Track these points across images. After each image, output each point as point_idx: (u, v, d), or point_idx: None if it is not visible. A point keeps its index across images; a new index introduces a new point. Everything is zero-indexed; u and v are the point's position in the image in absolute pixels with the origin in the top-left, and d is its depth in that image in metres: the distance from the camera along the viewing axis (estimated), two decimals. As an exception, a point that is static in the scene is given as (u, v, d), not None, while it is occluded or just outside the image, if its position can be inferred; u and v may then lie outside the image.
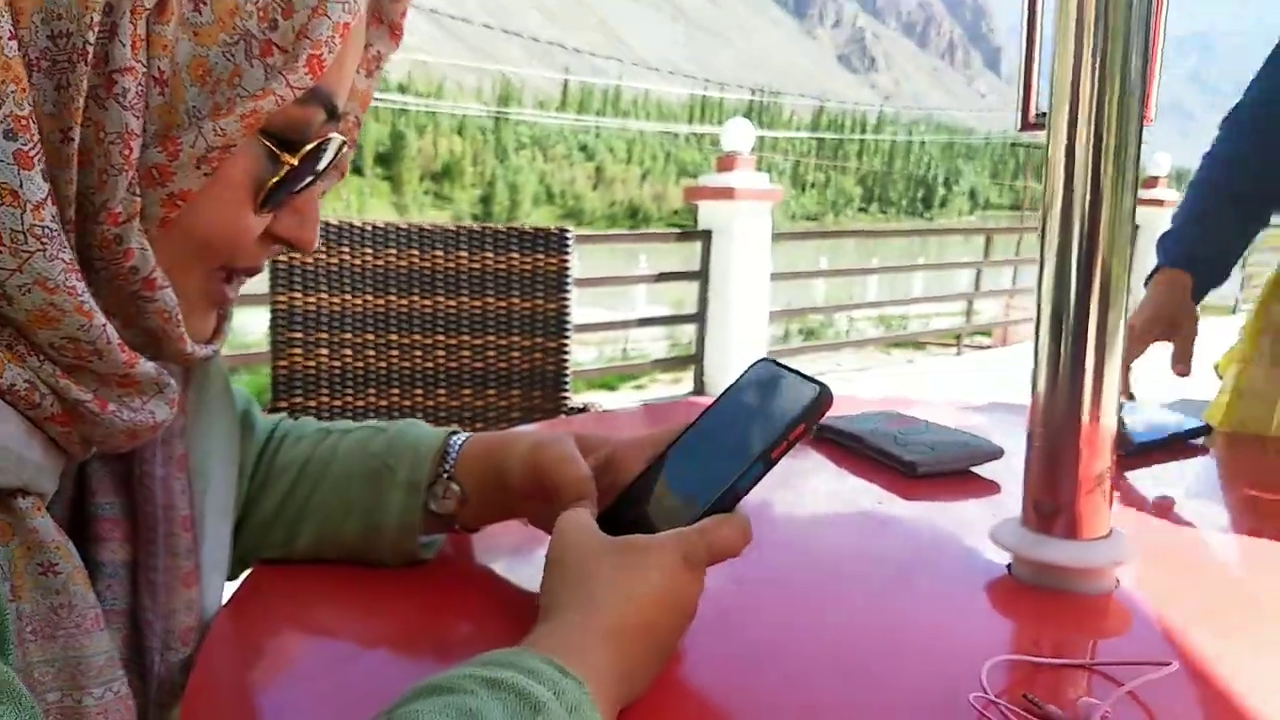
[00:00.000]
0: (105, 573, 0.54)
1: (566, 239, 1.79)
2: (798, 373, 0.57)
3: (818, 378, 0.55)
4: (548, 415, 1.76)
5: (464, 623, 0.63)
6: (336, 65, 0.47)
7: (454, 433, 0.70)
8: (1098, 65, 0.66)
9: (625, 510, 0.58)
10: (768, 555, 0.73)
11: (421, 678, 0.44)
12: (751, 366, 0.61)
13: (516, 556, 0.71)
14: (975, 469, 0.95)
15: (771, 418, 0.55)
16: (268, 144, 0.46)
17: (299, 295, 1.68)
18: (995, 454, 0.95)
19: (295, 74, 0.43)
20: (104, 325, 0.43)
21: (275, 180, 0.47)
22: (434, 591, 0.66)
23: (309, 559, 0.68)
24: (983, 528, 0.74)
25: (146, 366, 0.46)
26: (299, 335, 1.68)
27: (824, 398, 0.54)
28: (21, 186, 0.38)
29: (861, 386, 7.15)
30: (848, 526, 0.83)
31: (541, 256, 1.77)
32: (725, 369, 5.96)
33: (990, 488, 0.92)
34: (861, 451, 0.99)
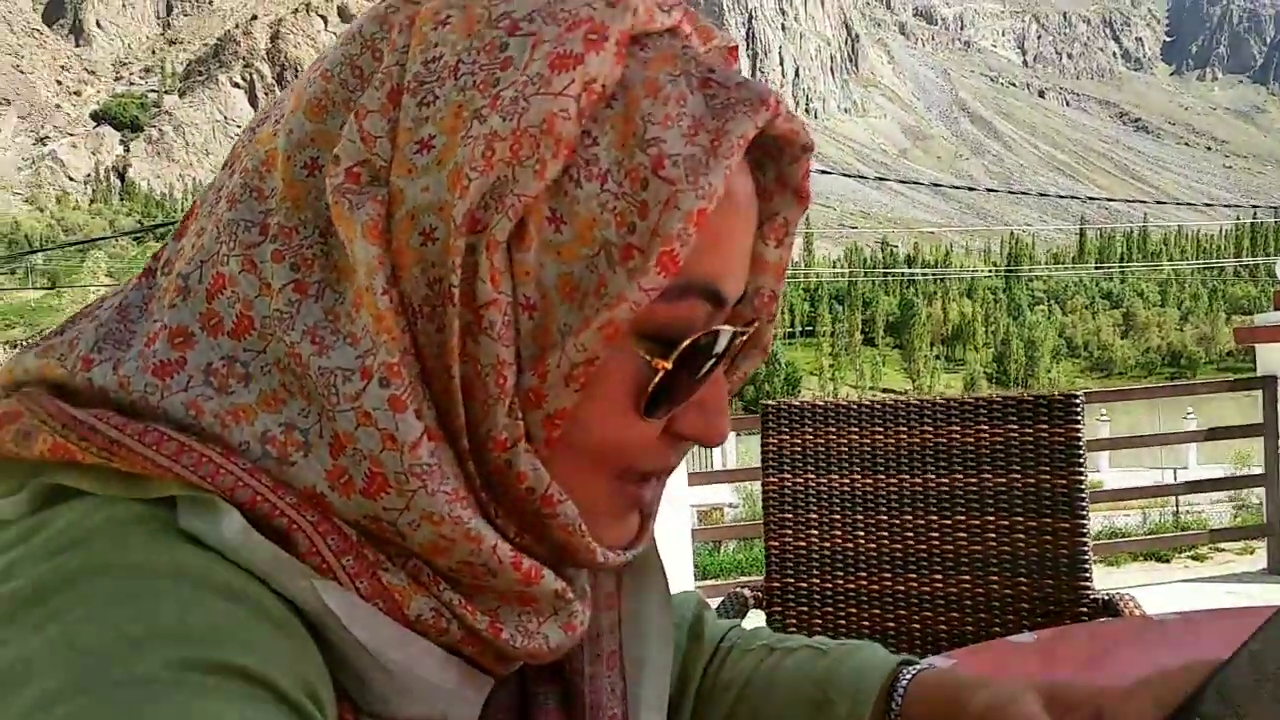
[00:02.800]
0: None
1: (1075, 404, 1.58)
2: None
3: None
4: (1064, 607, 1.51)
5: None
6: (711, 251, 0.44)
7: (906, 662, 0.60)
8: None
9: None
10: None
11: None
12: (1277, 613, 0.43)
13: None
14: None
15: None
16: (642, 350, 0.44)
17: (789, 475, 1.69)
18: None
19: (647, 276, 0.41)
20: (493, 547, 0.43)
21: (655, 384, 0.45)
22: None
23: None
24: None
25: (548, 584, 0.45)
26: (789, 515, 1.68)
27: None
28: (397, 429, 0.40)
29: None
30: None
31: (1045, 426, 1.58)
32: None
33: None
34: None
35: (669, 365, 0.44)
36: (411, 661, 0.43)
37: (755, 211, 0.49)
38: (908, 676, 0.59)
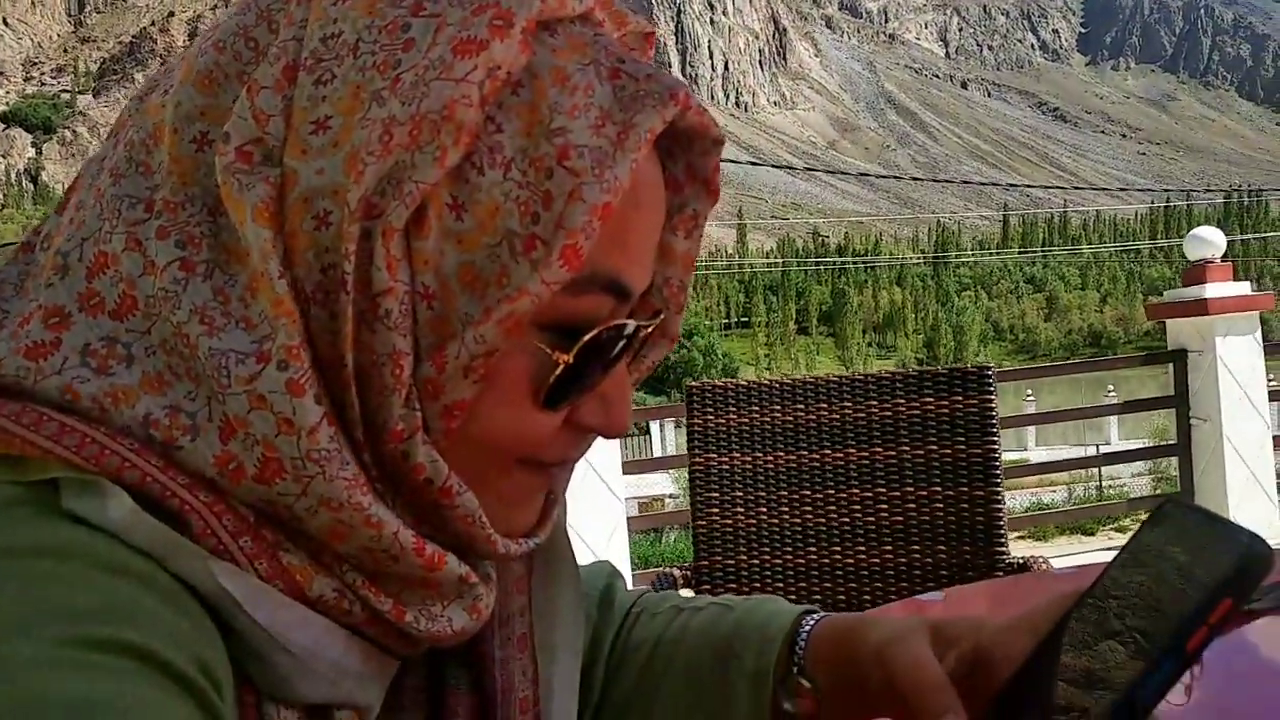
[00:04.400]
0: None
1: (988, 376, 1.63)
2: (1216, 520, 0.41)
3: (1246, 529, 0.39)
4: (981, 572, 1.56)
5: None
6: (617, 245, 0.44)
7: (808, 612, 0.61)
8: None
9: None
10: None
11: None
12: (1153, 513, 0.45)
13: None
14: None
15: (1182, 592, 0.39)
16: (541, 342, 0.44)
17: (714, 455, 1.71)
18: None
19: (549, 269, 0.40)
20: (395, 534, 0.42)
21: (556, 377, 0.44)
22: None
23: None
24: None
25: (452, 569, 0.45)
26: (715, 495, 1.70)
27: (1254, 558, 0.38)
28: (295, 413, 0.39)
29: None
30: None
31: (960, 398, 1.62)
32: (1222, 505, 5.00)
33: None
34: None
35: (570, 359, 0.44)
36: (313, 643, 0.42)
37: (663, 204, 0.49)
38: (810, 624, 0.60)
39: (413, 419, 0.42)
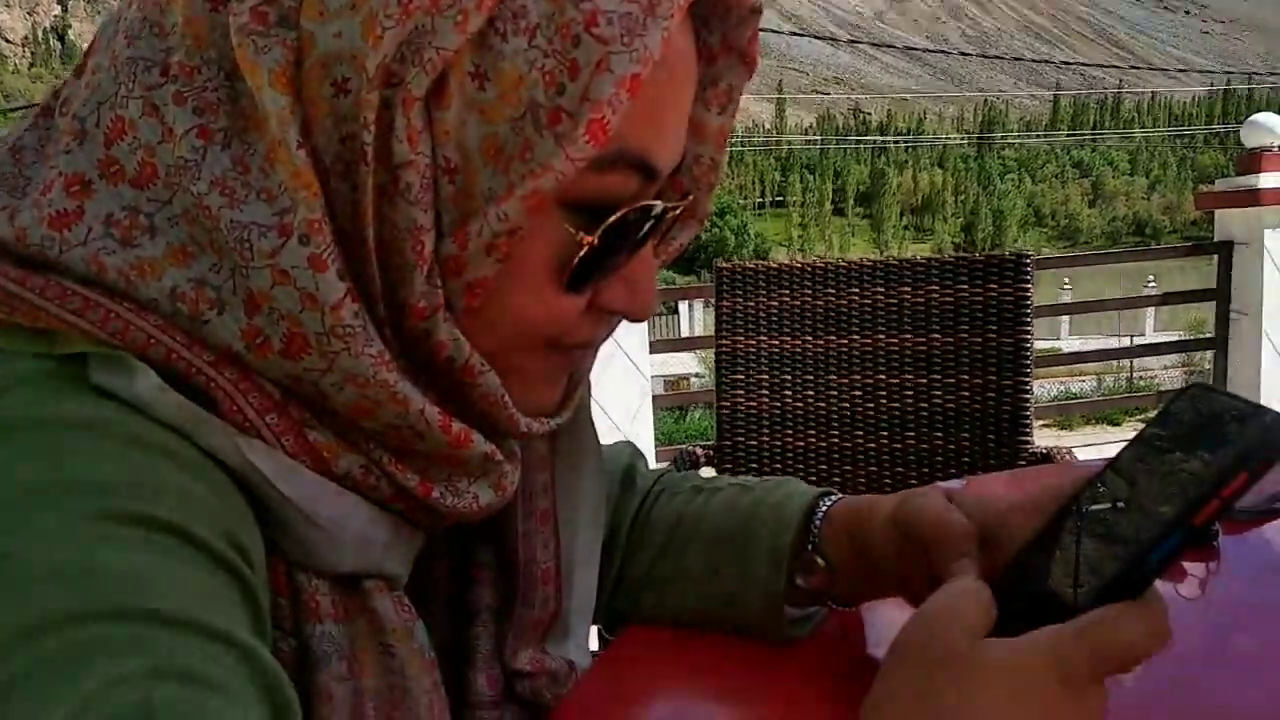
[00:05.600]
0: (474, 615, 0.56)
1: (1026, 264, 1.60)
2: (1241, 401, 0.40)
3: (1268, 408, 0.38)
4: (1004, 462, 1.57)
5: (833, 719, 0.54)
6: (646, 119, 0.42)
7: (826, 494, 0.61)
8: None
9: (1012, 589, 0.45)
10: (1256, 674, 0.53)
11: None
12: (1179, 394, 0.44)
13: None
14: None
15: (1199, 467, 0.39)
16: (567, 222, 0.42)
17: (741, 338, 1.70)
18: None
19: (575, 145, 0.39)
20: (421, 411, 0.42)
21: (580, 258, 0.43)
22: (807, 679, 0.58)
23: (679, 624, 0.65)
24: None
25: (479, 447, 0.45)
26: (741, 377, 1.70)
27: (1273, 435, 0.37)
28: (318, 289, 0.38)
29: None
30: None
31: (995, 286, 1.59)
32: (1255, 399, 4.96)
33: None
34: None
35: (594, 240, 0.43)
36: (341, 516, 0.43)
37: (695, 77, 0.46)
38: (826, 505, 0.61)
39: (435, 296, 0.41)
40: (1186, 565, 0.69)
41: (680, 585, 0.65)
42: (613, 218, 0.43)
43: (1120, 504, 0.42)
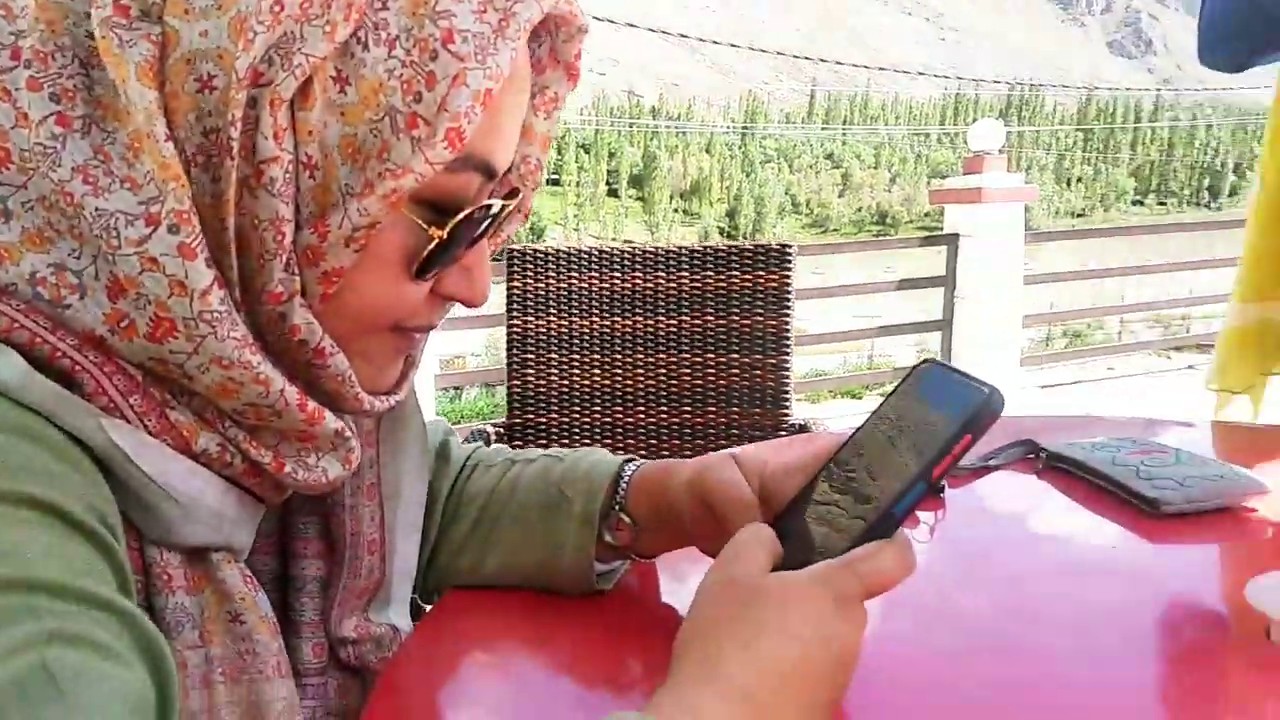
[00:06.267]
0: (298, 587, 0.58)
1: (788, 255, 1.76)
2: (963, 375, 0.50)
3: (986, 380, 0.48)
4: (767, 432, 1.73)
5: (641, 657, 0.62)
6: (490, 128, 0.47)
7: (629, 460, 0.69)
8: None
9: (781, 538, 0.54)
10: (980, 605, 0.67)
11: (593, 713, 0.43)
12: (914, 369, 0.55)
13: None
14: (1238, 509, 0.82)
15: (932, 430, 0.48)
16: (417, 217, 0.47)
17: (531, 319, 1.76)
18: (1259, 490, 0.81)
19: (433, 150, 0.43)
20: (281, 390, 0.45)
21: (429, 250, 0.48)
22: (618, 624, 0.66)
23: (496, 585, 0.70)
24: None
25: (330, 423, 0.49)
26: (531, 356, 1.76)
27: (991, 403, 0.47)
28: (187, 276, 0.41)
29: (1133, 396, 6.49)
30: (1073, 575, 0.74)
31: (763, 274, 1.74)
32: (975, 372, 5.63)
33: (1255, 530, 0.79)
34: (1098, 485, 0.89)
35: (444, 234, 0.47)
36: (197, 492, 0.45)
37: (529, 87, 0.52)
38: (631, 470, 0.68)
39: (292, 283, 0.44)
40: (920, 514, 0.83)
41: (497, 548, 0.70)
42: (461, 214, 0.48)
43: (870, 463, 0.53)
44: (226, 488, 0.48)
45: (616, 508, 0.67)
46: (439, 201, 0.47)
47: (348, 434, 0.51)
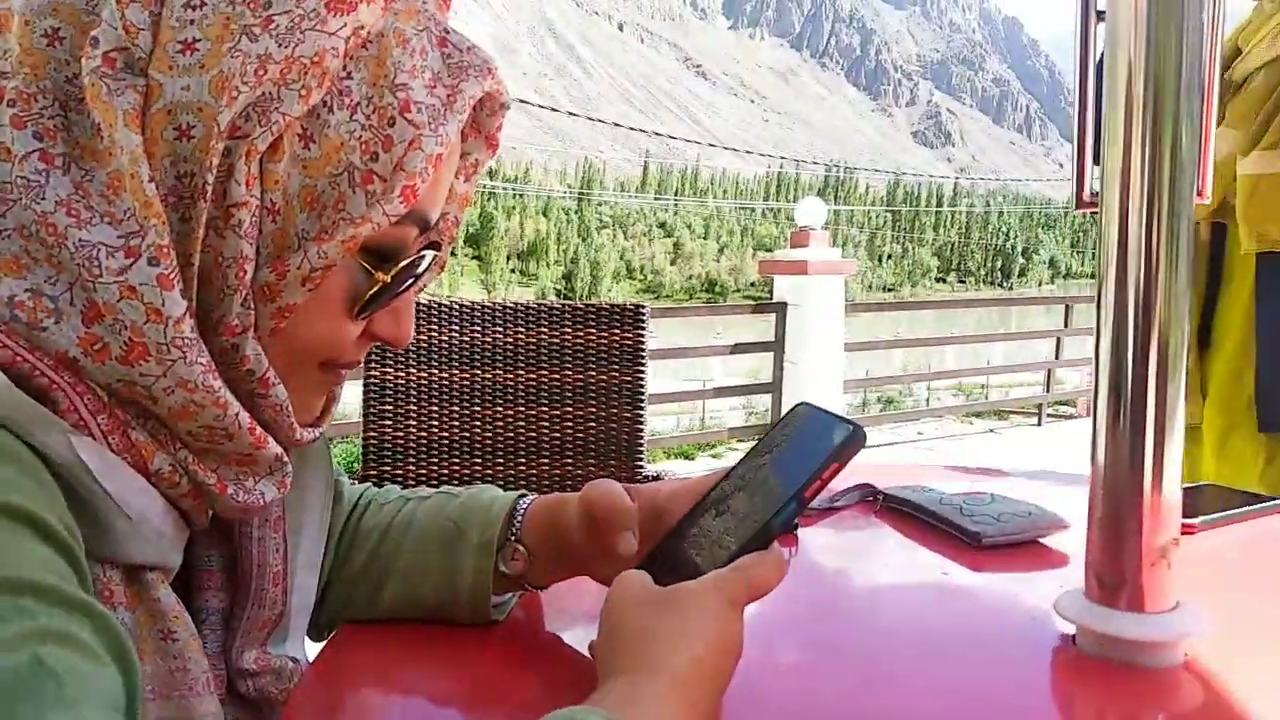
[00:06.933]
0: (200, 619, 0.60)
1: (642, 314, 1.85)
2: (832, 414, 0.59)
3: (851, 419, 0.57)
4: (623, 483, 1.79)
5: (537, 683, 0.66)
6: (431, 186, 0.52)
7: (522, 496, 0.74)
8: (1148, 149, 0.68)
9: (670, 554, 0.60)
10: (830, 625, 0.75)
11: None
12: (791, 411, 0.63)
13: (589, 618, 0.74)
14: (1044, 540, 0.95)
15: (805, 459, 0.57)
16: (364, 262, 0.52)
17: (390, 370, 1.77)
18: (1061, 525, 0.95)
19: (390, 204, 0.48)
20: (236, 414, 0.49)
21: (371, 292, 0.53)
22: (510, 651, 0.70)
23: (392, 618, 0.72)
24: (1049, 599, 0.74)
25: (272, 449, 0.52)
26: (389, 408, 1.76)
27: (856, 437, 0.56)
28: (164, 305, 0.44)
29: (942, 456, 7.01)
30: (911, 597, 0.84)
31: (618, 331, 1.83)
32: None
33: (1058, 559, 0.92)
34: (927, 522, 1.00)
35: (388, 278, 0.52)
36: (146, 510, 0.47)
37: (459, 153, 0.58)
38: (525, 503, 0.73)
39: (247, 317, 0.48)
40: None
41: (394, 580, 0.72)
42: (404, 261, 0.53)
43: (748, 489, 0.60)
44: (167, 507, 0.50)
45: (512, 538, 0.71)
46: (383, 249, 0.52)
47: (285, 459, 0.54)
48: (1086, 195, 0.79)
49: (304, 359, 0.53)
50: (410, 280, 0.55)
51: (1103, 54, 0.70)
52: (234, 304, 0.47)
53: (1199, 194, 0.72)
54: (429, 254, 0.56)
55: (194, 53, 0.44)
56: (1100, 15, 0.70)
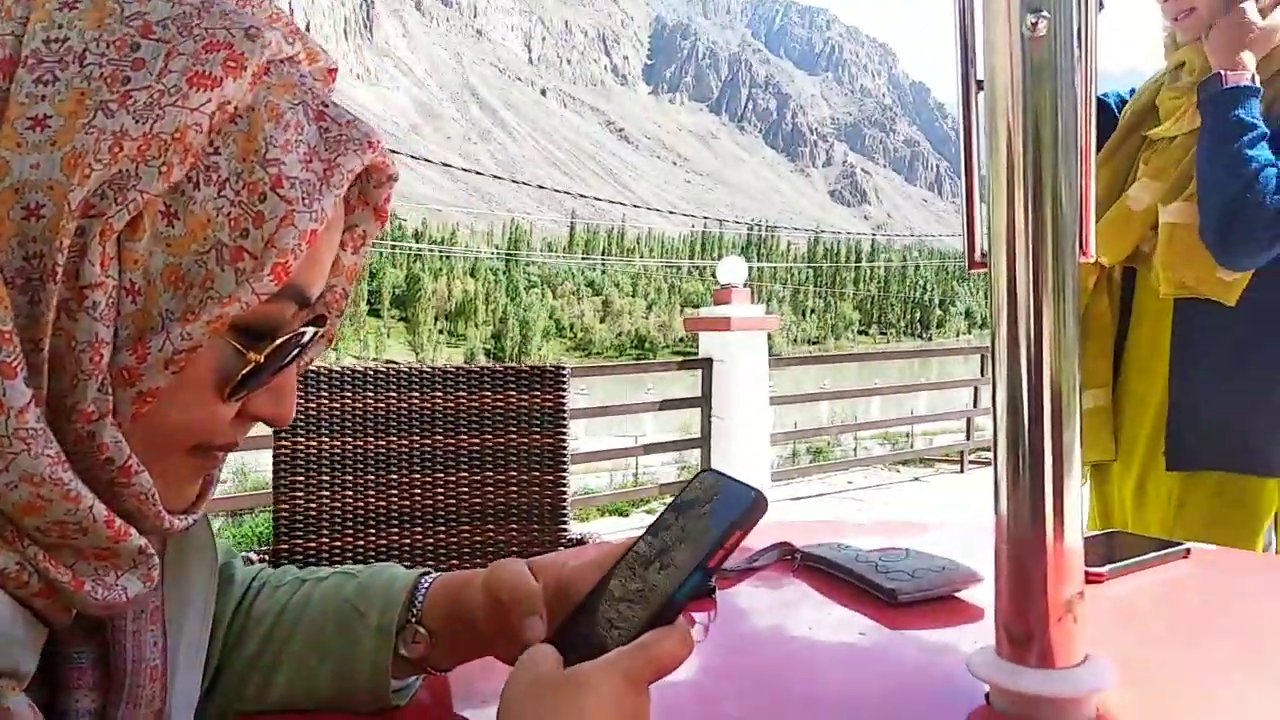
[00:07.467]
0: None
1: (563, 376, 1.84)
2: (736, 481, 0.58)
3: (754, 486, 0.56)
4: (547, 548, 1.76)
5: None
6: (308, 262, 0.50)
7: (424, 574, 0.71)
8: (1030, 209, 0.70)
9: (576, 632, 0.58)
10: (748, 689, 0.73)
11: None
12: (695, 477, 0.62)
13: (493, 699, 0.72)
14: (960, 594, 0.95)
15: (708, 528, 0.56)
16: (234, 342, 0.49)
17: (301, 440, 1.71)
18: (975, 579, 0.95)
19: (261, 281, 0.46)
20: (90, 507, 0.45)
21: (244, 373, 0.50)
22: (413, 734, 0.66)
23: (286, 709, 0.69)
24: (963, 656, 0.74)
25: (134, 541, 0.49)
26: (301, 479, 1.71)
27: (758, 504, 0.55)
28: (5, 394, 0.41)
29: (871, 505, 7.09)
30: (829, 660, 0.83)
31: (539, 394, 1.81)
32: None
33: (974, 613, 0.92)
34: (844, 579, 1.00)
35: (261, 358, 0.50)
36: None
37: (342, 225, 0.56)
38: (427, 582, 0.70)
39: (105, 403, 0.45)
40: (695, 614, 0.90)
41: (287, 667, 0.69)
42: (278, 340, 0.50)
43: (654, 560, 0.59)
44: (16, 608, 0.46)
45: (413, 619, 0.68)
46: (255, 327, 0.50)
47: (150, 551, 0.51)
48: (978, 255, 0.81)
49: (172, 444, 0.50)
50: (288, 358, 0.53)
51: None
52: (89, 390, 0.44)
53: (1082, 251, 0.74)
54: (308, 331, 0.53)
55: (45, 129, 0.42)
56: (980, 85, 0.73)
